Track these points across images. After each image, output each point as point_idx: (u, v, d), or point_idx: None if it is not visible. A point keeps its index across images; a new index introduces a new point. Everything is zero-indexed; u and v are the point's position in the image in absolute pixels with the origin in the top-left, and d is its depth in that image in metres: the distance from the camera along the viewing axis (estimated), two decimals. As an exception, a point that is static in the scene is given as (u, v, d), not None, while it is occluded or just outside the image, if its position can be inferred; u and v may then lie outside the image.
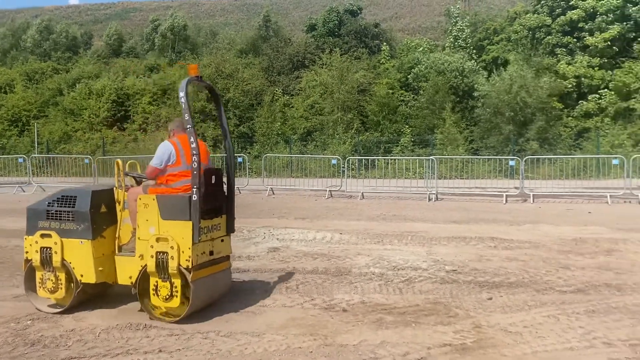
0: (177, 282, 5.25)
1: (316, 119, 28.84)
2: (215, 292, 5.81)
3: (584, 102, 27.05)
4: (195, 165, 5.21)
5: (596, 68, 27.53)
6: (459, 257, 8.06)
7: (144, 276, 5.38)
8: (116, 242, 5.68)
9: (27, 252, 5.72)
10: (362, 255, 8.26)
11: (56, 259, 5.55)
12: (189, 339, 4.93)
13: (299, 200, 16.25)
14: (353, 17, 37.76)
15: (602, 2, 28.20)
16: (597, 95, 26.89)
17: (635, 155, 16.92)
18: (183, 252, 5.21)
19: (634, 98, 25.19)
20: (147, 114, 31.26)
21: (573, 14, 28.69)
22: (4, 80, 36.25)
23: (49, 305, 5.80)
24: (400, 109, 28.86)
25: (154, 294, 5.34)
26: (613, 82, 26.67)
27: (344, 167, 18.11)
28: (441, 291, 6.33)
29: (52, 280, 5.62)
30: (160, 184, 5.65)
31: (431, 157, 17.57)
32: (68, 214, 5.61)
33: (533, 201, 14.95)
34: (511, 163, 18.27)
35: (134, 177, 6.04)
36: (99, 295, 6.07)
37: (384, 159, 21.27)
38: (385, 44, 34.83)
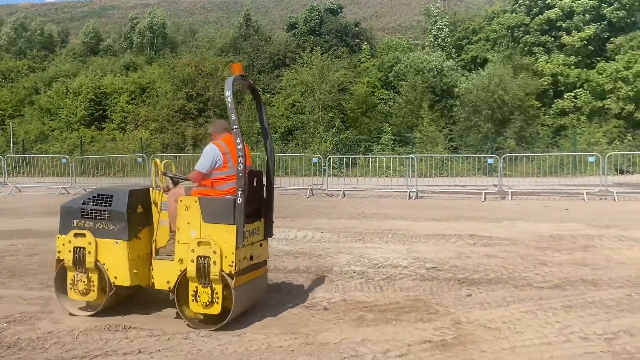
0: (219, 288, 5.03)
1: (297, 118, 28.82)
2: (254, 298, 5.61)
3: (560, 101, 27.51)
4: (241, 167, 5.01)
5: (572, 67, 28.01)
6: (439, 254, 8.13)
7: (182, 281, 5.15)
8: (153, 245, 5.44)
9: (59, 252, 5.50)
10: (343, 253, 8.28)
11: (90, 260, 5.35)
12: (169, 339, 4.89)
13: (280, 199, 16.16)
14: (334, 15, 37.83)
15: (578, 2, 28.69)
16: (573, 94, 27.38)
17: (610, 153, 17.25)
18: (226, 257, 4.99)
19: (609, 98, 25.67)
20: (126, 113, 30.92)
21: (551, 13, 29.16)
22: (-22, 79, 35.58)
23: (80, 308, 5.60)
24: (380, 107, 29.00)
25: (193, 300, 5.10)
26: (588, 82, 27.17)
27: (325, 166, 18.12)
28: (421, 288, 6.38)
29: (84, 281, 5.41)
30: (204, 185, 5.41)
31: (411, 156, 17.68)
32: (104, 214, 5.39)
33: (511, 198, 15.14)
34: (490, 161, 18.46)
35: (171, 178, 5.71)
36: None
37: (365, 157, 21.35)
38: (365, 43, 34.95)
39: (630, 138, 23.73)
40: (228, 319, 5.06)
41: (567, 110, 27.23)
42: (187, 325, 5.17)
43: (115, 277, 5.34)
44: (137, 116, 30.30)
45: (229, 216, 5.03)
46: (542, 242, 8.96)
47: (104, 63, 38.55)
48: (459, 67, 30.78)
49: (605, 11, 28.70)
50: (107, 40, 47.97)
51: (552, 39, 29.34)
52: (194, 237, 5.09)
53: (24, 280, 7.01)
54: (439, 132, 26.51)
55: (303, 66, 30.40)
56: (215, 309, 5.06)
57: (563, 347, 4.60)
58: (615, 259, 7.70)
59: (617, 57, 26.80)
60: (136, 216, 5.45)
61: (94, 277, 5.39)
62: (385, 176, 18.59)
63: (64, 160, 19.88)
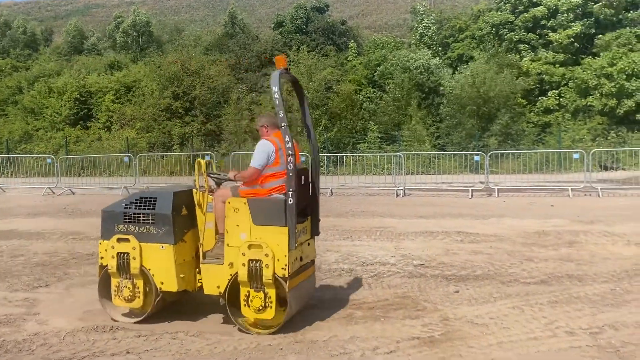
0: (272, 292, 4.88)
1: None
2: (305, 300, 5.48)
3: (544, 98, 27.77)
4: (291, 166, 4.84)
5: (557, 65, 28.28)
6: (427, 251, 8.18)
7: (233, 285, 5.00)
8: (200, 248, 5.25)
9: (102, 258, 5.36)
10: (331, 251, 8.29)
11: (134, 265, 5.20)
12: (157, 339, 4.87)
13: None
14: (320, 14, 37.81)
15: (563, 0, 28.97)
16: (557, 92, 27.66)
17: (594, 150, 17.44)
18: (278, 259, 4.83)
19: (592, 95, 25.95)
20: (112, 112, 30.64)
21: (536, 11, 29.41)
22: (-41, 78, 35.06)
23: (124, 314, 5.47)
24: (366, 105, 29.06)
25: (244, 305, 4.96)
26: (572, 80, 27.44)
27: (312, 164, 18.06)
28: (409, 285, 6.41)
29: (129, 288, 5.26)
30: (252, 185, 5.24)
31: (398, 153, 17.73)
32: (148, 217, 5.24)
33: (498, 195, 15.25)
34: (476, 158, 18.57)
35: (215, 179, 5.47)
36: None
37: (352, 155, 21.37)
38: (352, 41, 34.97)
39: (614, 135, 24.03)
40: (281, 324, 4.95)
41: (552, 108, 27.51)
42: (239, 330, 5.02)
43: (162, 283, 5.20)
44: (122, 115, 30.02)
45: (280, 217, 4.87)
46: (528, 238, 9.05)
47: (89, 62, 38.15)
48: (445, 65, 30.92)
49: (592, 8, 29.02)
50: (91, 39, 47.50)
51: (537, 36, 29.59)
52: (244, 240, 4.93)
53: (8, 282, 6.93)
54: (426, 129, 26.62)
55: (290, 65, 30.34)
56: (269, 314, 4.91)
57: (549, 342, 4.65)
58: (600, 254, 7.80)
59: (601, 54, 27.10)
60: (181, 219, 5.30)
61: (139, 283, 5.25)
62: (373, 174, 18.63)
63: (49, 160, 19.67)
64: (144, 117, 29.02)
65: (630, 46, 26.46)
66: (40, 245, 9.27)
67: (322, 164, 19.62)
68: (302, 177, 5.33)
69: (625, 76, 24.68)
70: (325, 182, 17.60)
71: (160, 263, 5.19)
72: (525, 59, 28.98)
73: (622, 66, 24.81)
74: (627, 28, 28.18)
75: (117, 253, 5.24)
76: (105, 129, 30.11)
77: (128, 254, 5.22)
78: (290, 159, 4.84)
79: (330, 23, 36.75)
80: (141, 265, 5.21)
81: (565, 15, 28.81)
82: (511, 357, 4.37)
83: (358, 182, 17.58)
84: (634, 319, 5.13)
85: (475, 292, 6.08)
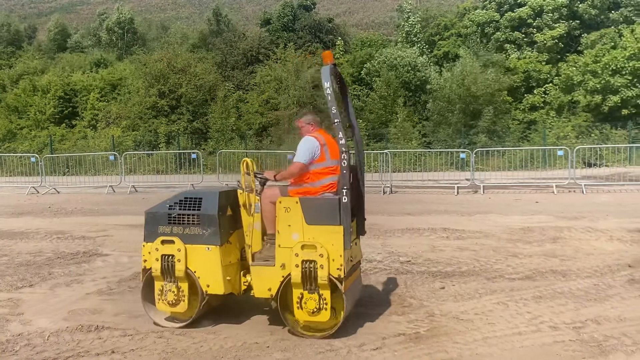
0: (327, 293, 4.70)
1: (272, 115, 28.70)
2: (356, 300, 5.33)
3: (530, 96, 28.02)
4: (344, 164, 4.69)
5: (543, 63, 28.55)
6: (413, 248, 8.22)
7: (285, 287, 4.82)
8: (249, 250, 5.05)
9: (145, 261, 5.18)
10: (318, 249, 8.28)
11: (179, 268, 5.00)
12: (142, 338, 4.84)
13: (255, 196, 16.13)
14: (307, 12, 37.80)
15: (548, 0, 29.22)
16: (542, 89, 27.93)
17: (578, 147, 17.64)
18: (333, 260, 4.66)
19: (577, 91, 26.24)
20: (97, 111, 30.38)
21: (521, 11, 29.64)
22: (-59, 76, 34.52)
23: (167, 319, 5.23)
24: (354, 103, 29.08)
25: (298, 307, 4.77)
26: (558, 77, 27.72)
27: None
28: (395, 282, 6.44)
29: (173, 291, 5.06)
30: (300, 183, 5.11)
31: (385, 151, 17.79)
32: (193, 218, 5.06)
33: (483, 192, 15.36)
34: (462, 155, 18.71)
35: (260, 179, 5.24)
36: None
37: (340, 153, 21.38)
38: (339, 39, 35.00)
39: (598, 132, 24.31)
40: (338, 326, 4.78)
41: (537, 105, 27.77)
42: (291, 333, 4.88)
43: (208, 286, 5.01)
44: (108, 113, 29.80)
45: (334, 216, 4.72)
46: (513, 234, 9.13)
47: (73, 60, 37.80)
48: (431, 63, 31.07)
49: (577, 8, 29.31)
50: (74, 37, 47.01)
51: (523, 35, 29.84)
52: (297, 241, 4.77)
53: (-8, 282, 6.85)
54: (413, 127, 26.73)
55: (277, 62, 30.29)
56: (324, 316, 4.74)
57: (533, 336, 4.70)
58: (584, 250, 7.89)
59: (585, 51, 27.40)
60: (226, 219, 5.13)
61: (184, 286, 5.06)
62: (360, 172, 18.66)
63: (33, 159, 19.46)
64: (130, 115, 28.81)
65: (613, 44, 26.79)
66: (24, 245, 9.17)
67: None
68: (352, 174, 5.13)
69: (610, 72, 24.98)
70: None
71: (206, 265, 5.01)
72: (511, 56, 29.21)
73: (606, 61, 25.11)
74: (612, 27, 28.52)
75: (162, 255, 5.06)
76: (91, 128, 29.88)
77: (173, 256, 5.04)
78: (344, 156, 4.71)
79: (317, 21, 36.78)
80: (186, 268, 5.03)
81: (551, 14, 29.08)
82: (496, 352, 4.41)
83: (345, 180, 17.56)
84: (616, 314, 5.20)
85: (461, 288, 6.12)
